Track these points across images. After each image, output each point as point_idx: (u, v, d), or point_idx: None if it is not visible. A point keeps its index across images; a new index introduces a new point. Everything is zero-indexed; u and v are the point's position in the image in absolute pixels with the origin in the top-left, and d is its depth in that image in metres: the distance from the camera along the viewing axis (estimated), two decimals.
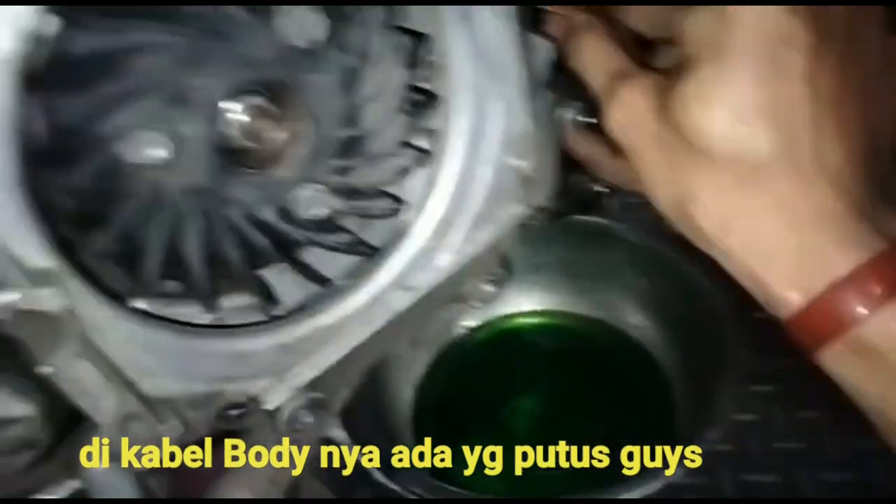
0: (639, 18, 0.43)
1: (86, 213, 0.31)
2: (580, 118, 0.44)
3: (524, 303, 0.88)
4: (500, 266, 0.48)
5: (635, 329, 0.82)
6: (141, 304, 0.36)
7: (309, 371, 0.39)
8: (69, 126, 0.29)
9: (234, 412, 0.37)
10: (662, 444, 0.66)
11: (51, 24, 0.28)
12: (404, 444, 0.75)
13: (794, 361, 0.38)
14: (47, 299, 0.27)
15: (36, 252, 0.28)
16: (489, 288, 0.47)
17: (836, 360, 0.36)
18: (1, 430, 0.29)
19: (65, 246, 0.29)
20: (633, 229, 0.79)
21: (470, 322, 0.88)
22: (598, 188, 0.57)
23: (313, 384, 0.40)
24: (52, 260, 0.28)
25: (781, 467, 0.71)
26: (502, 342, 0.87)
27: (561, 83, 0.43)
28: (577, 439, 0.77)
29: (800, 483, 0.70)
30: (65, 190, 0.30)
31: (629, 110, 0.38)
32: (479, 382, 0.84)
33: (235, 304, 0.40)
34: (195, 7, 0.31)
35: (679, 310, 0.77)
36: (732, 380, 0.68)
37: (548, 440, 0.78)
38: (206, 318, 0.38)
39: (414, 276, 0.43)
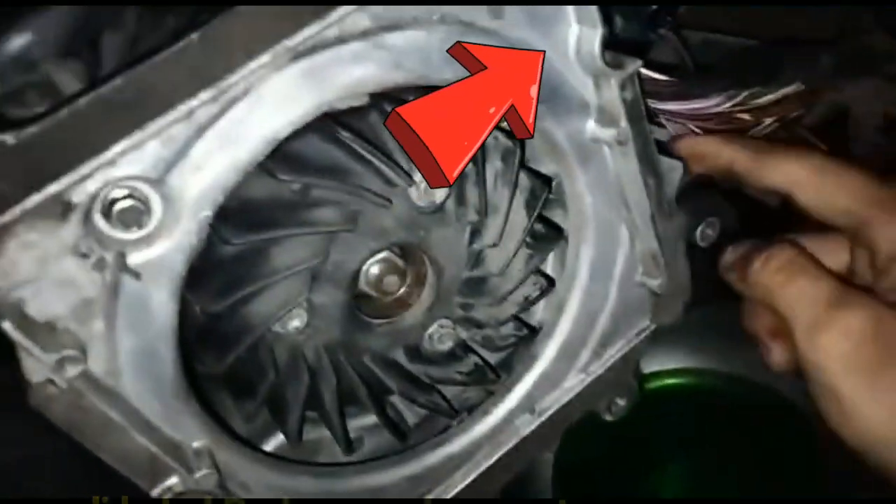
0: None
1: (235, 385, 0.34)
2: (710, 233, 0.42)
3: (665, 361, 0.85)
4: (633, 377, 0.47)
5: (783, 384, 0.77)
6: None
7: (439, 496, 0.41)
8: (223, 314, 0.32)
9: None
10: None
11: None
12: None
13: None
14: (201, 480, 0.30)
15: (192, 434, 0.31)
16: (622, 401, 0.47)
17: None
18: None
19: (217, 419, 0.33)
20: None
21: None
22: None
23: None
24: (205, 438, 0.31)
25: None
26: (645, 403, 0.85)
27: (693, 200, 0.42)
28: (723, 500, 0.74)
29: None
30: (218, 370, 0.33)
31: (848, 337, 0.36)
32: (622, 446, 0.82)
33: (363, 424, 0.42)
34: (333, 193, 0.33)
35: None
36: None
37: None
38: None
39: (541, 399, 0.43)
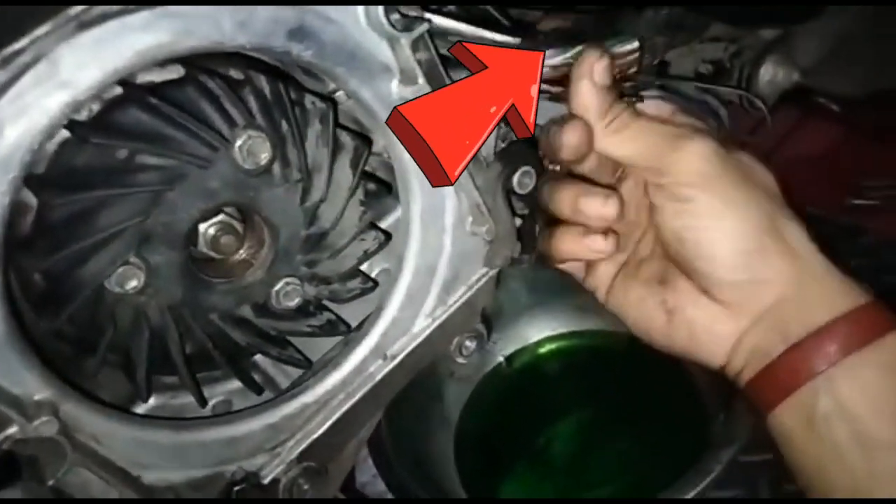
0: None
1: (79, 342, 0.37)
2: (527, 181, 0.47)
3: (557, 326, 0.90)
4: (481, 322, 0.51)
5: None
6: (147, 403, 0.42)
7: (298, 444, 0.44)
8: (57, 275, 0.35)
9: (235, 489, 0.42)
10: (698, 451, 0.67)
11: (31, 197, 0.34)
12: (446, 477, 0.79)
13: None
14: (41, 428, 0.33)
15: (32, 388, 0.33)
16: (471, 343, 0.51)
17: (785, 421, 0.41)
18: None
19: (62, 374, 0.35)
20: None
21: (506, 350, 0.91)
22: None
23: (305, 455, 0.44)
24: (46, 391, 0.34)
25: None
26: (538, 367, 0.89)
27: (508, 153, 0.46)
28: (614, 458, 0.79)
29: None
30: (58, 328, 0.35)
31: (701, 157, 0.42)
32: (517, 410, 0.86)
33: (231, 388, 0.46)
34: (152, 157, 0.36)
35: None
36: None
37: (587, 462, 0.80)
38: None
39: (391, 345, 0.47)
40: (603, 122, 0.43)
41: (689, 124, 0.44)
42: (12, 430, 0.32)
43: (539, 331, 0.91)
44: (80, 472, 0.35)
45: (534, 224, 0.53)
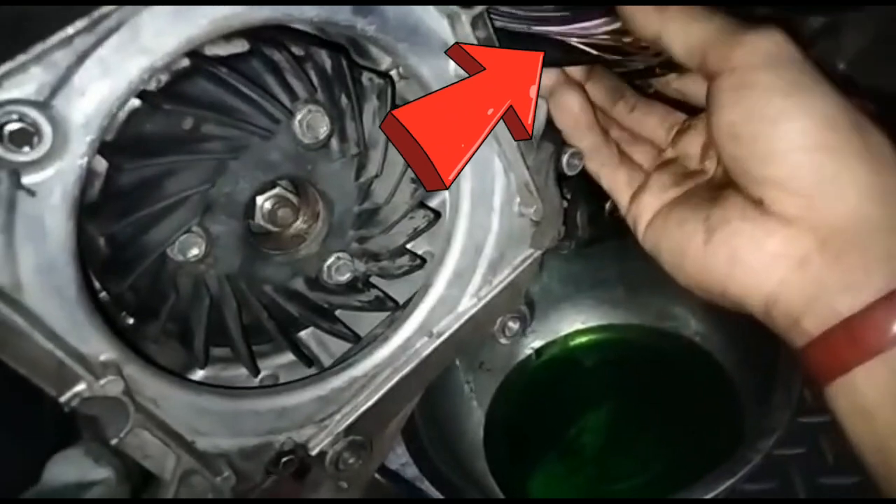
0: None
1: (140, 309, 0.38)
2: (576, 162, 0.47)
3: (587, 319, 0.91)
4: (524, 303, 0.52)
5: (697, 336, 0.82)
6: (199, 374, 0.43)
7: (346, 417, 0.44)
8: (122, 241, 0.36)
9: (283, 459, 0.43)
10: (732, 444, 0.67)
11: (100, 164, 0.35)
12: (477, 468, 0.79)
13: None
14: (109, 389, 0.33)
15: (100, 349, 0.34)
16: (514, 324, 0.51)
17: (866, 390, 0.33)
18: (85, 491, 0.35)
19: (124, 338, 0.36)
20: None
21: (535, 343, 0.91)
22: None
23: (352, 428, 0.45)
24: (111, 353, 0.35)
25: (858, 468, 0.69)
26: (568, 360, 0.90)
27: (557, 134, 0.47)
28: (644, 449, 0.79)
29: None
30: (123, 292, 0.36)
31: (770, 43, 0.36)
32: (546, 401, 0.87)
33: (279, 363, 0.46)
34: (218, 127, 0.37)
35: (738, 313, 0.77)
36: (796, 386, 0.67)
37: (616, 454, 0.80)
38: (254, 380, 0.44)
39: (437, 323, 0.47)
40: (665, 14, 0.38)
41: None
42: (80, 387, 0.33)
43: (569, 324, 0.91)
44: (140, 434, 0.36)
45: (576, 210, 0.54)
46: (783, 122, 0.34)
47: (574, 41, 0.44)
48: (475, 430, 0.85)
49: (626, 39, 0.45)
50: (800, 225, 0.34)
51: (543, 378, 0.90)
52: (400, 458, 0.78)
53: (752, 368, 0.75)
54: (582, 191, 0.53)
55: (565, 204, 0.50)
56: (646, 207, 0.44)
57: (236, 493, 0.40)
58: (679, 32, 0.38)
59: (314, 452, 0.44)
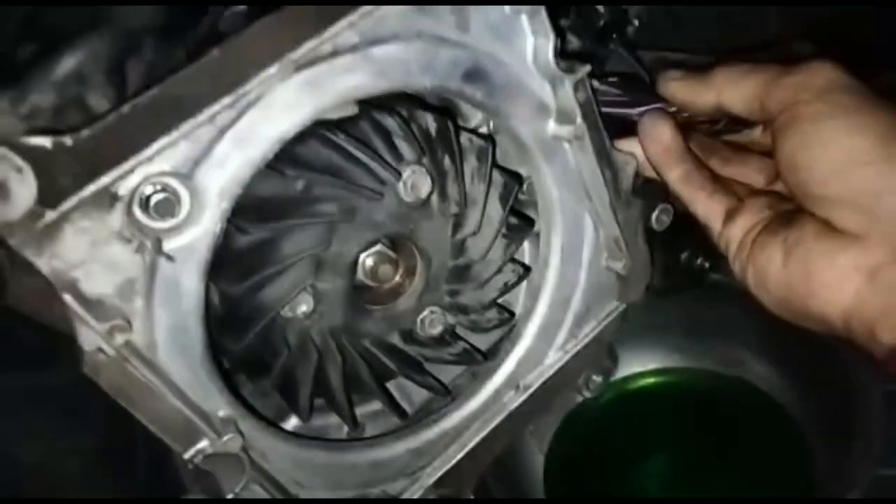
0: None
1: (252, 366, 0.39)
2: (665, 218, 0.47)
3: (646, 363, 0.90)
4: (608, 356, 0.52)
5: (759, 380, 0.82)
6: (291, 423, 0.44)
7: (436, 470, 0.45)
8: (238, 301, 0.37)
9: None
10: (797, 492, 0.65)
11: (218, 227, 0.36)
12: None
13: None
14: (228, 444, 0.34)
15: (220, 403, 0.35)
16: (598, 378, 0.51)
17: None
18: None
19: (237, 392, 0.37)
20: None
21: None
22: (704, 263, 0.59)
23: (441, 481, 0.45)
24: (229, 409, 0.36)
25: None
26: (627, 403, 0.89)
27: (647, 190, 0.47)
28: (707, 493, 0.78)
29: None
30: (238, 349, 0.37)
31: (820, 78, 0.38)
32: (605, 445, 0.86)
33: (363, 411, 0.47)
34: (330, 189, 0.38)
35: (806, 358, 0.76)
36: (875, 437, 0.66)
37: (678, 498, 0.79)
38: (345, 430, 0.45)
39: (525, 376, 0.48)
40: (714, 82, 0.42)
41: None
42: (203, 443, 0.34)
43: (628, 367, 0.90)
44: (252, 488, 0.37)
45: (652, 261, 0.54)
46: (833, 145, 0.36)
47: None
48: (535, 472, 0.84)
49: (685, 114, 0.46)
50: (867, 239, 0.35)
51: (602, 421, 0.89)
52: None
53: (821, 415, 0.74)
54: (659, 241, 0.54)
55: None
56: (737, 232, 0.44)
57: None
58: (734, 94, 0.41)
59: None
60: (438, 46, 0.36)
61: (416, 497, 0.44)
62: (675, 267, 0.57)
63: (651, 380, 0.89)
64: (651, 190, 0.47)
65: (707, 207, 0.46)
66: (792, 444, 0.76)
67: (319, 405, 0.44)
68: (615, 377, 0.90)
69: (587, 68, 0.40)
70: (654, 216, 0.47)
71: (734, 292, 0.82)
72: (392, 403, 0.45)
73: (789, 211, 0.41)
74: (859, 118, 0.36)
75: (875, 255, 0.35)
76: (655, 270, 0.55)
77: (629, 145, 0.46)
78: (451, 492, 0.46)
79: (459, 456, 0.46)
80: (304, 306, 0.39)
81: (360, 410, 0.47)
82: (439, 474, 0.45)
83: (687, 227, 0.57)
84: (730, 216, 0.45)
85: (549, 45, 0.38)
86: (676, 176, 0.46)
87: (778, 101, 0.38)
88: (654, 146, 0.46)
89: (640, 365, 0.90)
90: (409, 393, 0.49)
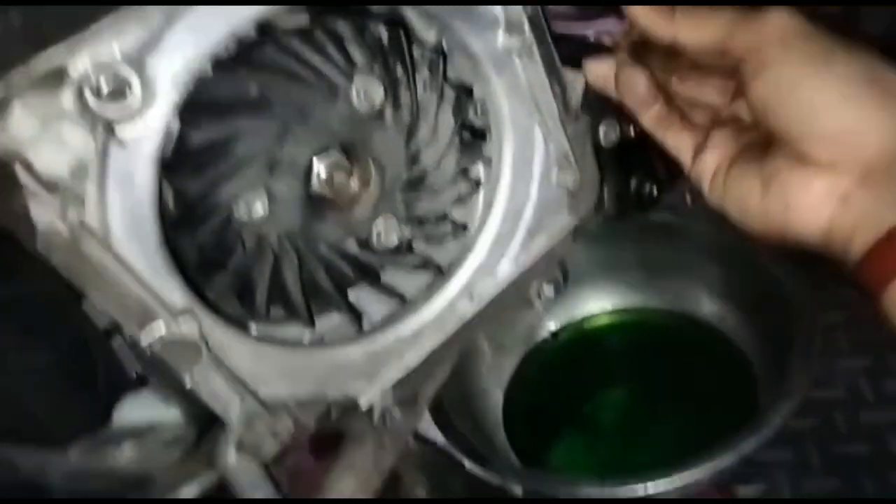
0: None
1: (208, 263, 0.40)
2: (612, 134, 0.49)
3: (604, 303, 0.93)
4: (559, 270, 0.54)
5: (713, 317, 0.85)
6: (256, 330, 0.45)
7: (394, 373, 0.47)
8: (191, 199, 0.38)
9: (335, 412, 0.45)
10: (746, 421, 0.69)
11: (174, 123, 0.37)
12: (497, 444, 0.82)
13: (883, 336, 0.39)
14: (186, 329, 0.36)
15: (176, 295, 0.36)
16: (550, 291, 0.53)
17: None
18: (156, 432, 0.37)
19: (195, 289, 0.38)
20: (702, 221, 0.82)
21: (552, 325, 0.93)
22: (653, 189, 0.61)
23: (399, 384, 0.47)
24: (187, 300, 0.37)
25: (870, 439, 0.72)
26: (585, 342, 0.92)
27: (594, 105, 0.49)
28: (662, 426, 0.81)
29: (892, 451, 0.71)
30: (192, 246, 0.39)
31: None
32: (564, 382, 0.89)
33: (331, 323, 0.48)
34: (282, 94, 0.39)
35: (753, 294, 0.79)
36: (812, 355, 0.69)
37: (633, 430, 0.82)
38: (308, 336, 0.47)
39: (478, 286, 0.50)
40: (673, 19, 0.43)
41: None
42: (160, 327, 0.35)
43: (586, 307, 0.93)
44: (210, 377, 0.38)
45: (603, 185, 0.56)
46: (803, 89, 0.38)
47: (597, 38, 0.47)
48: (495, 408, 0.87)
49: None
50: (838, 168, 0.39)
51: (561, 359, 0.91)
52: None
53: (768, 348, 0.78)
54: (610, 167, 0.56)
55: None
56: (708, 165, 0.46)
57: (293, 438, 0.42)
58: (692, 35, 0.42)
59: (364, 407, 0.46)
60: None
61: (375, 397, 0.46)
62: (626, 192, 0.59)
63: (607, 319, 0.92)
64: (598, 106, 0.49)
65: (677, 142, 0.48)
66: (739, 373, 0.79)
67: (279, 317, 0.46)
68: (574, 318, 0.93)
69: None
70: (601, 131, 0.49)
71: (684, 232, 0.86)
72: (350, 309, 0.46)
73: (760, 144, 0.43)
74: (826, 62, 0.38)
75: (845, 182, 0.38)
76: (608, 196, 0.57)
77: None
78: (409, 394, 0.48)
79: (417, 361, 0.47)
80: (259, 209, 0.40)
81: (322, 325, 0.49)
82: (398, 377, 0.47)
83: (636, 152, 0.59)
84: (699, 150, 0.47)
85: None
86: (649, 118, 0.48)
87: (742, 45, 0.40)
88: (629, 95, 0.47)
89: (597, 305, 0.93)
90: (367, 311, 0.51)
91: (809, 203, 0.40)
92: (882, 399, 0.75)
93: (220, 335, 0.40)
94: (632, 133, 0.53)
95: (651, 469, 0.74)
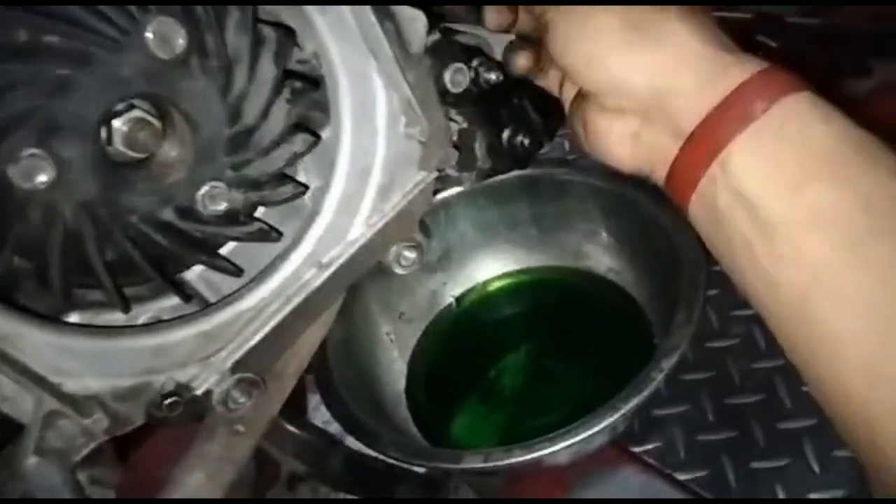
0: None
1: None
2: (460, 78, 0.46)
3: (504, 264, 0.90)
4: (420, 231, 0.50)
5: (608, 271, 0.83)
6: (73, 318, 0.40)
7: (232, 353, 0.42)
8: None
9: (167, 401, 0.41)
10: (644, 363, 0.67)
11: None
12: (398, 416, 0.79)
13: None
14: None
15: None
16: (410, 254, 0.50)
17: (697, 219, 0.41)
18: None
19: None
20: (591, 174, 0.80)
21: (455, 291, 0.90)
22: (526, 141, 0.58)
23: (240, 365, 0.43)
24: None
25: (763, 387, 0.72)
26: (487, 305, 0.90)
27: (439, 49, 0.45)
28: (564, 386, 0.79)
29: (782, 398, 0.71)
30: None
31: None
32: (467, 347, 0.87)
33: (163, 305, 0.44)
34: (56, 38, 0.34)
35: (643, 246, 0.78)
36: (695, 308, 0.68)
37: (536, 393, 0.80)
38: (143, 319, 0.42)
39: (327, 253, 0.45)
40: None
41: None
42: None
43: (487, 270, 0.91)
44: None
45: (474, 140, 0.53)
46: (575, 45, 0.42)
47: None
48: (397, 380, 0.84)
49: None
50: (625, 111, 0.42)
51: (464, 325, 0.89)
52: (323, 416, 0.76)
53: (662, 300, 0.76)
54: (480, 120, 0.52)
55: (460, 125, 0.49)
56: (566, 105, 0.50)
57: (110, 434, 0.38)
58: (496, 20, 0.49)
59: (199, 391, 0.42)
60: None
61: (209, 381, 0.42)
62: (499, 144, 0.56)
63: (508, 280, 0.90)
64: (443, 48, 0.45)
65: (552, 86, 0.51)
66: (637, 327, 0.78)
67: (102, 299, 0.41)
68: (476, 281, 0.91)
69: None
70: (447, 76, 0.45)
71: (575, 186, 0.84)
72: (173, 284, 0.41)
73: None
74: (593, 17, 0.41)
75: (633, 122, 0.42)
76: (479, 149, 0.54)
77: None
78: (252, 375, 0.44)
79: (258, 338, 0.43)
80: (42, 175, 0.35)
81: (159, 304, 0.44)
82: (236, 357, 0.43)
83: (508, 102, 0.56)
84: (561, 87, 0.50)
85: None
86: (525, 58, 0.48)
87: (534, 15, 0.46)
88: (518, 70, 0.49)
89: (497, 266, 0.90)
90: (219, 286, 0.46)
91: (615, 143, 0.44)
92: (774, 344, 0.75)
93: (7, 325, 0.35)
94: (496, 78, 0.49)
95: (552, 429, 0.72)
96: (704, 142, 0.38)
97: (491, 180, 0.56)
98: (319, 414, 0.79)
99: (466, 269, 0.91)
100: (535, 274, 0.89)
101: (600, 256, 0.84)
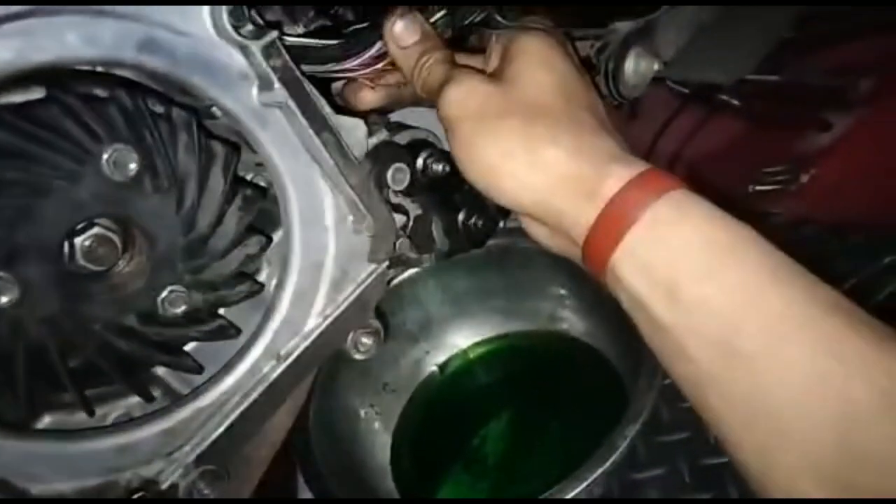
0: None
1: None
2: (401, 176, 0.49)
3: (484, 330, 0.93)
4: (376, 318, 0.53)
5: (581, 333, 0.85)
6: (45, 421, 0.43)
7: (195, 448, 0.45)
8: None
9: (135, 497, 0.43)
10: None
11: None
12: (383, 489, 0.80)
13: None
14: None
15: None
16: (367, 340, 0.52)
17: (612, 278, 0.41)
18: None
19: None
20: None
21: (438, 359, 0.93)
22: (480, 222, 0.61)
23: (203, 458, 0.45)
24: None
25: None
26: (470, 372, 0.92)
27: (378, 152, 0.49)
28: (545, 451, 0.81)
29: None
30: None
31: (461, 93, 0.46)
32: (451, 416, 0.88)
33: (132, 402, 0.46)
34: (15, 173, 0.38)
35: (611, 307, 0.80)
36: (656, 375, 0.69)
37: (519, 459, 0.82)
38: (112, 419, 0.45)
39: (284, 345, 0.48)
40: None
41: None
42: None
43: (467, 337, 0.93)
44: None
45: (430, 224, 0.56)
46: (472, 162, 0.46)
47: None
48: (382, 452, 0.85)
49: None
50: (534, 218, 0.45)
51: (447, 393, 0.91)
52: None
53: (633, 358, 0.78)
54: (434, 206, 0.55)
55: (415, 212, 0.52)
56: None
57: None
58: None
59: (165, 486, 0.44)
60: (99, 18, 0.36)
61: (173, 476, 0.44)
62: (455, 228, 0.59)
63: (489, 346, 0.92)
64: (385, 149, 0.49)
65: None
66: (612, 386, 0.80)
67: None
68: (458, 348, 0.93)
69: (273, 34, 0.41)
70: (389, 175, 0.49)
71: (539, 254, 0.87)
72: (136, 386, 0.44)
73: None
74: (484, 139, 0.44)
75: (544, 227, 0.46)
76: (437, 233, 0.57)
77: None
78: (215, 467, 0.46)
79: (219, 432, 0.46)
80: (7, 296, 0.38)
81: (129, 401, 0.47)
82: (199, 451, 0.45)
83: (459, 188, 0.59)
84: None
85: (223, 12, 0.39)
86: None
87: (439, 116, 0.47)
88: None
89: (478, 334, 0.93)
90: (191, 380, 0.49)
91: (542, 237, 0.46)
92: None
93: None
94: (443, 170, 0.53)
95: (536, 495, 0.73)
96: (595, 252, 0.41)
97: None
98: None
99: (448, 338, 0.93)
100: (514, 339, 0.92)
101: (573, 319, 0.87)
